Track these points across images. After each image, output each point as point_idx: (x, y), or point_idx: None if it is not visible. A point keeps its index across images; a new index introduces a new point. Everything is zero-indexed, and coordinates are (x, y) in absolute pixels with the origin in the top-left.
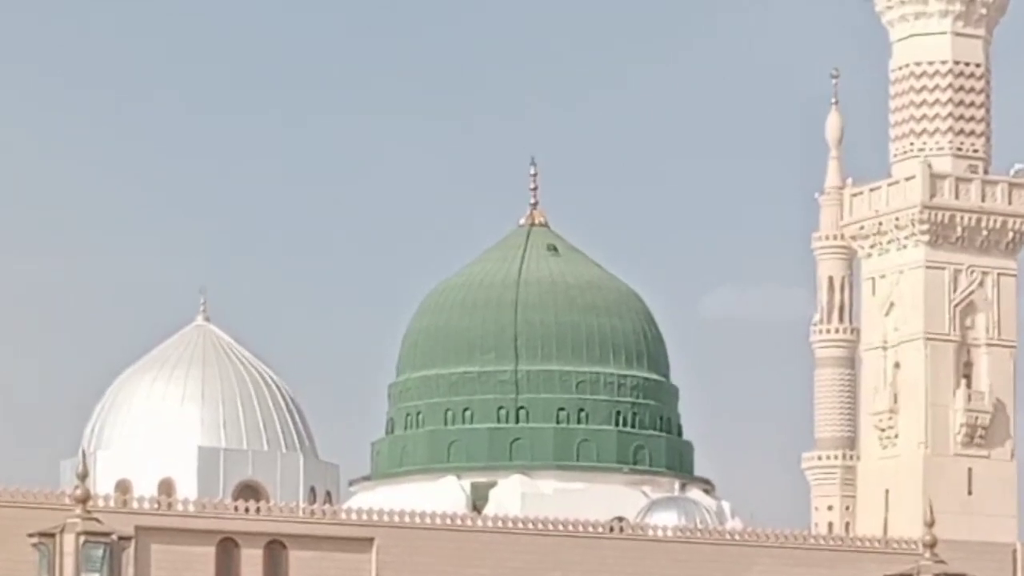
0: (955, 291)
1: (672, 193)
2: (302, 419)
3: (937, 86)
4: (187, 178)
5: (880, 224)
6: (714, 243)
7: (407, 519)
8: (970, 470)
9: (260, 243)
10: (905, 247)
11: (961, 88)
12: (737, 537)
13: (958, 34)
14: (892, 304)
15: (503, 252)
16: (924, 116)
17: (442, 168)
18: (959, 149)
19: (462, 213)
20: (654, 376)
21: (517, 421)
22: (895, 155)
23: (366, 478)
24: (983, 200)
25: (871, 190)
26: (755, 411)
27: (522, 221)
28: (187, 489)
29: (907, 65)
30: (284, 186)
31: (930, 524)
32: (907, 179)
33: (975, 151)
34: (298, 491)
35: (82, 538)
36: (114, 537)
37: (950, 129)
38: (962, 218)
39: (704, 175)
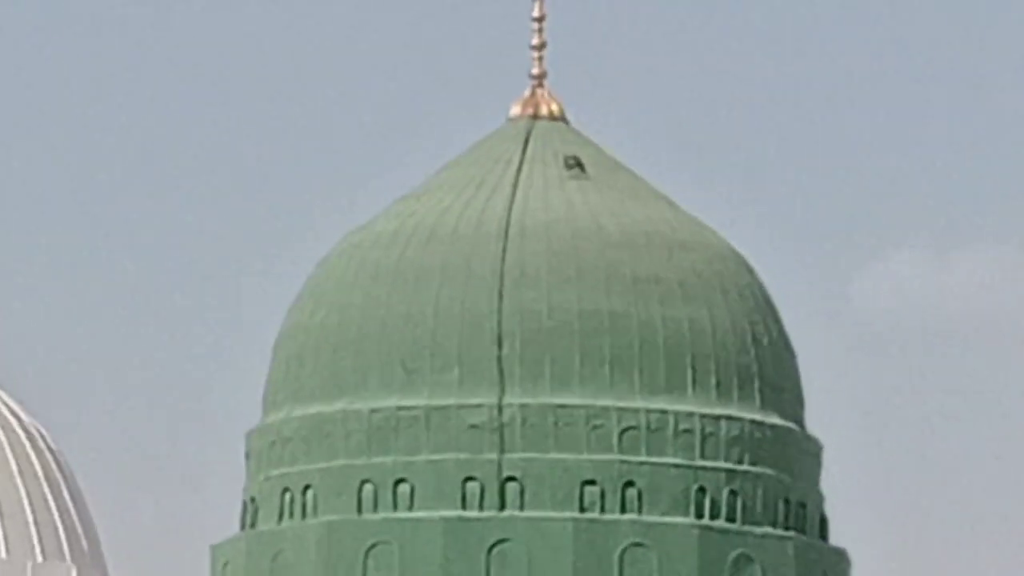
0: None
1: (803, 61)
2: (78, 502)
3: None
4: None
5: None
6: (889, 163)
7: None
8: None
9: None
10: None
11: None
12: None
13: None
14: None
15: (476, 171)
16: None
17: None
18: None
19: (396, 92)
20: (774, 420)
21: (502, 507)
22: None
23: None
24: None
25: None
26: (983, 491)
27: (515, 111)
28: None
29: None
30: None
31: None
32: None
33: None
34: None
35: None
36: None
37: None
38: None
39: (868, 23)
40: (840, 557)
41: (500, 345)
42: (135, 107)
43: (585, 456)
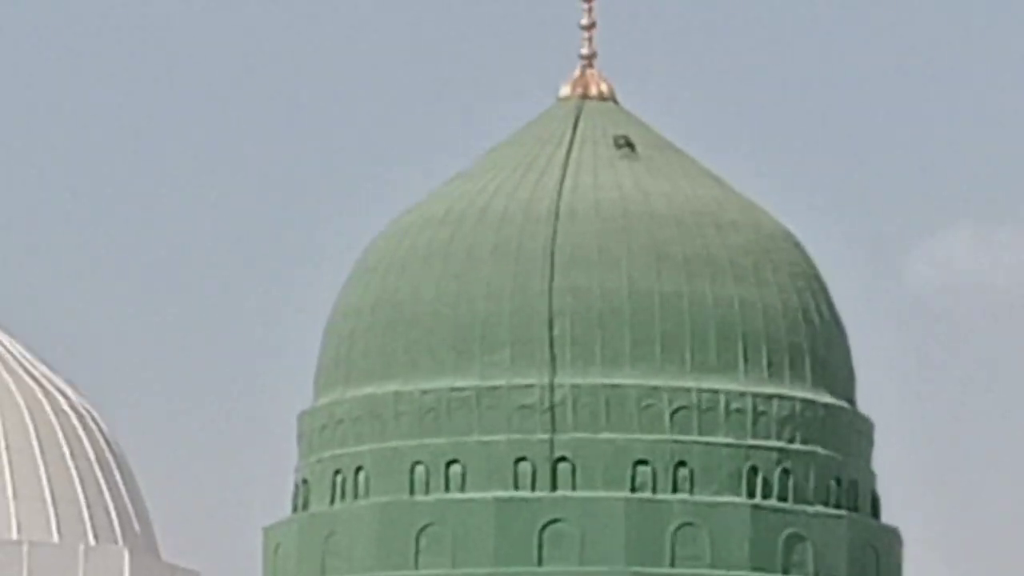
0: None
1: (854, 38)
2: (129, 484)
3: None
4: None
5: None
6: (940, 141)
7: None
8: None
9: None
10: None
11: None
12: None
13: None
14: None
15: (527, 152)
16: None
17: None
18: None
19: (446, 72)
20: (825, 398)
21: (554, 487)
22: None
23: None
24: None
25: None
26: None
27: (565, 91)
28: None
29: None
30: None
31: None
32: None
33: None
34: None
35: None
36: None
37: None
38: None
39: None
40: (892, 535)
41: (551, 326)
42: (201, 88)
43: (637, 436)
